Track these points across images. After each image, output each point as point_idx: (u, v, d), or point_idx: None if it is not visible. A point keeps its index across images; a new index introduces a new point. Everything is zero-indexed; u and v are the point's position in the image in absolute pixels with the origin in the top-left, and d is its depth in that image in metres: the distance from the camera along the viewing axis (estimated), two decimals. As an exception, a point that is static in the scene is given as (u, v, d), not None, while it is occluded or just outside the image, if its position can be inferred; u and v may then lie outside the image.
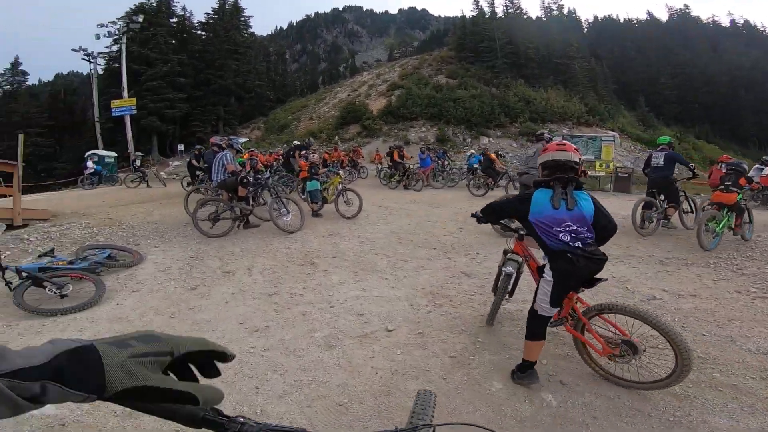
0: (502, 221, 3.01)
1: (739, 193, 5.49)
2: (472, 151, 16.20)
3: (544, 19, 39.03)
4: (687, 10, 45.14)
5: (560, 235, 2.29)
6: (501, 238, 6.20)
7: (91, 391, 0.37)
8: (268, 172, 7.29)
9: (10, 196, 6.98)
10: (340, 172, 8.26)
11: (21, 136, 6.77)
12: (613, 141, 15.18)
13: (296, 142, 13.83)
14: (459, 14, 42.19)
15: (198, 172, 10.81)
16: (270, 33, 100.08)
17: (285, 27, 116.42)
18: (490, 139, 24.08)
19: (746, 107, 35.63)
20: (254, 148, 14.24)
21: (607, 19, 47.27)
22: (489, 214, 2.75)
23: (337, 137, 25.08)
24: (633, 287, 4.12)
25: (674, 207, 6.25)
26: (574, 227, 2.29)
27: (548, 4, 40.24)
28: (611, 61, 37.36)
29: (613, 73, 35.87)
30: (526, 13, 37.82)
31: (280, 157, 14.40)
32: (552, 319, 2.51)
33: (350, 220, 7.43)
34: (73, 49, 25.98)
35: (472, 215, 2.91)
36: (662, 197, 6.34)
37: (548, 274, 2.35)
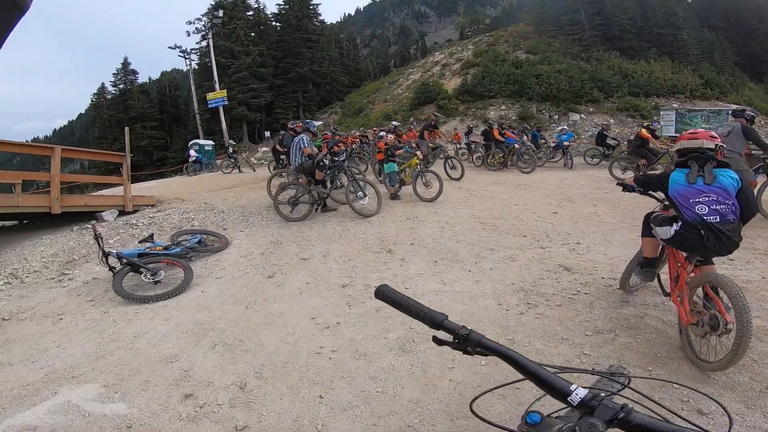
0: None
1: None
2: (564, 126, 14.63)
3: None
4: None
5: (696, 207, 2.41)
6: (604, 226, 5.42)
7: None
8: (344, 154, 7.14)
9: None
10: (418, 153, 7.85)
11: (126, 130, 7.42)
12: (750, 113, 12.69)
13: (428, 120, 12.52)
14: None
15: (282, 157, 11.22)
16: (339, 20, 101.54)
17: (353, 13, 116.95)
18: (582, 115, 21.74)
19: None
20: (327, 131, 14.41)
21: None
22: (646, 186, 2.85)
23: (411, 118, 24.60)
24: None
25: None
26: (714, 197, 2.39)
27: None
28: (728, 31, 31.80)
29: (732, 44, 30.53)
30: None
31: (357, 140, 14.37)
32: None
33: (429, 204, 7.04)
34: (170, 47, 28.67)
35: (618, 184, 3.11)
36: None
37: (673, 229, 2.52)
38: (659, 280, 3.05)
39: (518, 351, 0.74)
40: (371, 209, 6.44)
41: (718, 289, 2.30)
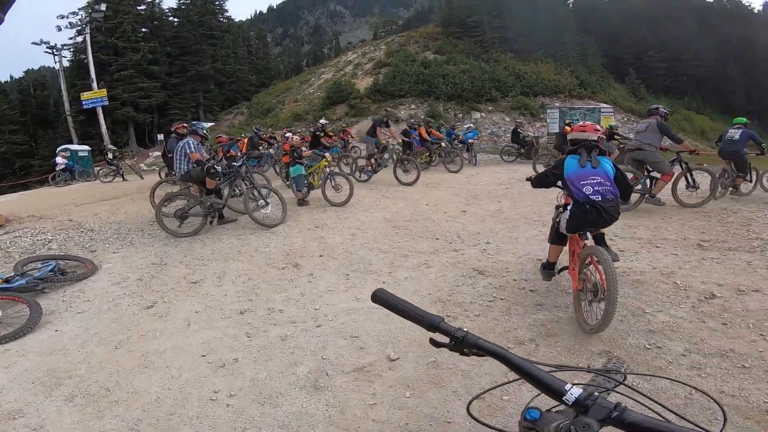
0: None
1: None
2: (471, 124, 15.20)
3: None
4: None
5: (584, 188, 2.90)
6: (510, 223, 5.50)
7: None
8: (241, 159, 6.37)
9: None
10: (327, 154, 7.37)
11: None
12: (612, 112, 14.52)
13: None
14: None
15: (176, 163, 9.92)
16: (249, 17, 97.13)
17: (264, 11, 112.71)
18: (482, 113, 23.14)
19: (735, 80, 35.63)
20: (222, 134, 13.24)
21: None
22: (542, 183, 3.24)
23: (323, 118, 24.03)
24: (683, 282, 3.42)
25: (742, 177, 6.56)
26: (598, 180, 2.89)
27: None
28: (599, 35, 36.48)
29: (601, 47, 35.06)
30: None
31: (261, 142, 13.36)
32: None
33: (339, 209, 6.62)
34: (34, 43, 24.34)
35: (527, 179, 3.45)
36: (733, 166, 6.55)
37: (567, 213, 3.00)
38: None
39: (444, 376, 0.76)
40: (275, 218, 5.84)
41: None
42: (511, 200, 6.91)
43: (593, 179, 2.88)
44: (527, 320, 3.00)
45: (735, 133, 6.82)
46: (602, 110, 14.44)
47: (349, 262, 4.43)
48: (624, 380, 0.84)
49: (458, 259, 4.32)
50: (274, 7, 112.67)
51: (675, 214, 5.63)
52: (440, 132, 12.35)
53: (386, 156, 9.04)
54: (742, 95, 35.89)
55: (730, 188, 6.69)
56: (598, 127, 3.16)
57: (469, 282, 3.74)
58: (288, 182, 7.75)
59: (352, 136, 16.88)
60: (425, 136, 11.22)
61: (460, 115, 22.51)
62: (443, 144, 11.33)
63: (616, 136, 10.55)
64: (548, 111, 16.41)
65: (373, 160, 9.07)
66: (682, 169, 6.14)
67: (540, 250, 4.23)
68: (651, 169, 6.04)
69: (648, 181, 6.01)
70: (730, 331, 2.67)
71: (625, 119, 23.73)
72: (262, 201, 5.77)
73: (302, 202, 6.92)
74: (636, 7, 39.44)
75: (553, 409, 0.71)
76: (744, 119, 7.30)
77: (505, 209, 6.28)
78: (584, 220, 2.89)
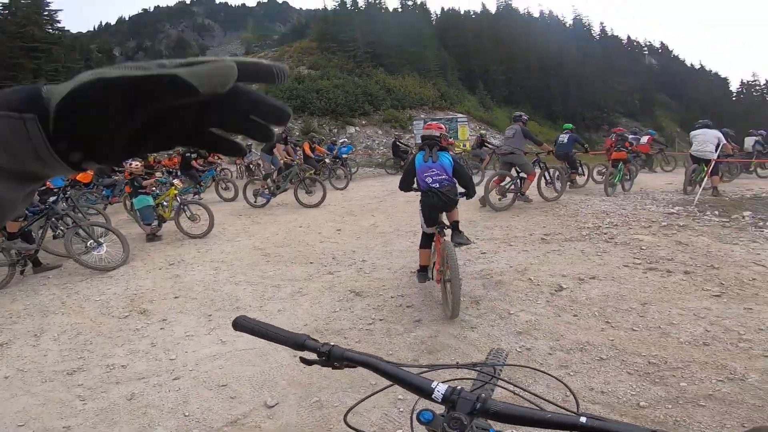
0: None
1: (627, 152, 8.08)
2: (345, 139, 15.30)
3: (400, 10, 40.36)
4: (509, 3, 50.45)
5: (426, 179, 3.40)
6: (384, 237, 5.51)
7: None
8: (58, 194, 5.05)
9: None
10: (176, 181, 6.47)
11: None
12: (467, 122, 16.19)
13: None
14: (321, 7, 40.71)
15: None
16: (93, 29, 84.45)
17: (113, 22, 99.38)
18: (356, 128, 23.70)
19: (555, 90, 41.94)
20: None
21: (452, 11, 51.21)
22: (405, 184, 3.58)
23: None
24: (534, 277, 3.77)
25: (575, 173, 8.32)
26: (436, 171, 3.38)
27: None
28: (456, 50, 40.46)
29: (457, 62, 39.05)
30: (384, 5, 38.89)
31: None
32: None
33: (199, 240, 5.85)
34: None
35: (400, 188, 3.65)
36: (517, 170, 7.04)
37: (419, 206, 3.53)
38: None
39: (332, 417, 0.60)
40: (113, 260, 4.87)
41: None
42: (385, 213, 7.02)
43: (432, 171, 3.37)
44: (408, 339, 2.95)
45: (564, 138, 8.21)
46: (459, 120, 16.07)
47: (211, 300, 3.86)
48: (495, 373, 0.88)
49: (334, 282, 4.12)
50: (126, 19, 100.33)
51: (521, 212, 6.35)
52: (322, 147, 12.17)
53: (292, 174, 8.26)
54: (560, 103, 41.74)
55: (568, 182, 7.92)
56: (441, 125, 3.66)
57: (346, 306, 3.57)
58: (132, 214, 6.61)
59: (219, 157, 15.57)
60: (308, 152, 10.77)
61: (335, 130, 22.70)
62: (327, 160, 11.08)
63: (486, 144, 11.87)
64: (414, 122, 17.55)
65: (270, 182, 8.10)
66: (541, 168, 7.21)
67: (413, 261, 4.29)
68: (519, 171, 6.75)
69: (519, 181, 6.75)
70: (581, 323, 2.97)
71: (477, 128, 26.79)
72: (92, 241, 4.74)
73: (153, 237, 5.93)
74: (484, 24, 45.10)
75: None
76: (570, 125, 8.71)
77: (380, 223, 6.32)
78: (430, 205, 3.37)
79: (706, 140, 7.75)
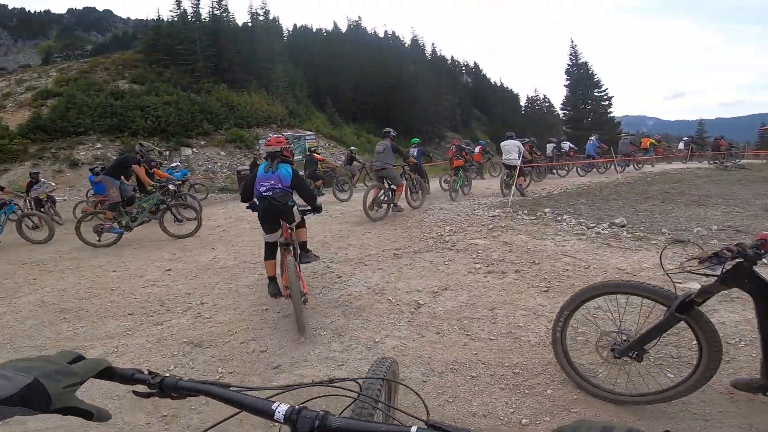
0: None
1: (464, 160, 9.35)
2: (177, 163, 13.49)
3: (250, 24, 38.18)
4: (359, 22, 52.59)
5: (261, 188, 3.58)
6: (227, 272, 4.81)
7: (41, 410, 0.53)
8: None
9: None
10: None
11: None
12: (314, 139, 16.21)
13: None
14: (155, 15, 35.11)
15: None
16: None
17: None
18: (194, 149, 21.28)
19: (396, 106, 45.12)
20: None
21: (304, 27, 50.92)
22: (245, 195, 3.81)
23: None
24: (393, 296, 3.69)
25: (426, 182, 9.45)
26: (273, 182, 3.57)
27: (255, 9, 39.42)
28: (306, 66, 40.29)
29: (307, 78, 38.94)
30: (233, 18, 36.15)
31: None
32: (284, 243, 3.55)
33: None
34: None
35: (248, 207, 3.82)
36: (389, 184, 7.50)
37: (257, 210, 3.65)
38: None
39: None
40: None
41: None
42: (228, 244, 6.25)
43: (269, 181, 3.57)
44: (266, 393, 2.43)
45: (413, 151, 9.52)
46: (307, 137, 15.98)
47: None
48: (361, 390, 0.94)
49: (164, 334, 3.31)
50: None
51: (372, 228, 6.45)
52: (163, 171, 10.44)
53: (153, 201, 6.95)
54: (400, 119, 44.73)
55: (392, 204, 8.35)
56: (281, 138, 3.88)
57: (184, 362, 2.86)
58: None
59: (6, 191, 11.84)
60: (144, 178, 8.89)
61: (167, 152, 19.93)
62: (171, 186, 9.41)
63: (355, 160, 12.37)
64: (260, 141, 16.68)
65: (118, 213, 6.73)
66: (407, 180, 7.83)
67: (264, 297, 3.82)
68: (390, 183, 7.28)
69: (390, 193, 7.26)
70: (445, 340, 2.92)
71: (326, 145, 27.20)
72: None
73: None
74: (334, 42, 46.03)
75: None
76: (417, 140, 10.19)
77: (221, 257, 5.54)
78: (263, 210, 3.53)
79: (510, 150, 9.34)
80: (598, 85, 45.07)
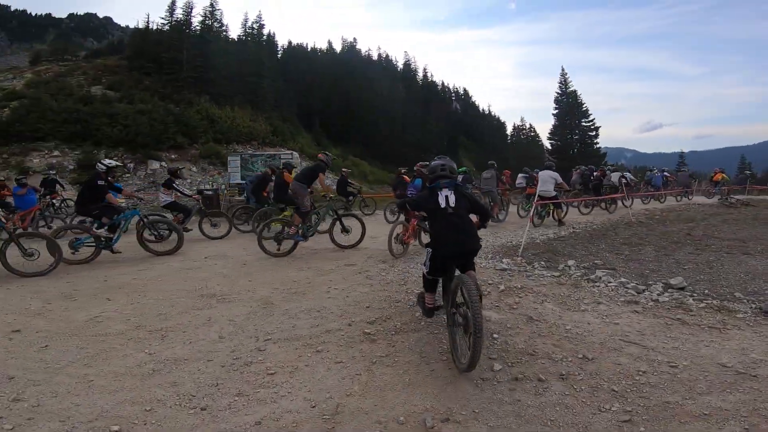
0: None
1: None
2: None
3: (244, 38, 37.37)
4: (354, 43, 51.97)
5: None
6: (100, 345, 3.04)
7: None
8: None
9: None
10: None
11: None
12: (292, 158, 14.61)
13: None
14: (145, 22, 34.06)
15: None
16: None
17: None
18: (162, 162, 19.51)
19: (385, 131, 43.70)
20: None
21: (299, 46, 50.21)
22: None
23: None
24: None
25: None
26: None
27: (251, 24, 38.54)
28: (298, 85, 39.30)
29: (297, 97, 37.92)
30: (227, 30, 35.53)
31: None
32: None
33: None
34: None
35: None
36: None
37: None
38: None
39: None
40: None
41: None
42: (135, 293, 4.41)
43: None
44: None
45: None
46: (282, 156, 14.37)
47: None
48: None
49: None
50: None
51: (339, 278, 4.82)
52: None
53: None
54: (389, 144, 42.22)
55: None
56: None
57: None
58: None
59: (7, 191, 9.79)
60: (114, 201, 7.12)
61: (132, 164, 18.08)
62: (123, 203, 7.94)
63: (349, 184, 11.86)
64: (230, 159, 14.98)
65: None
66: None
67: (138, 394, 2.13)
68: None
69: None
70: None
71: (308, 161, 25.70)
72: None
73: None
74: (328, 62, 45.11)
75: None
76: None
77: (113, 313, 3.75)
78: None
79: (546, 180, 9.26)
80: (585, 114, 44.91)
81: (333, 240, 6.75)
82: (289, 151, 16.95)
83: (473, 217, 2.95)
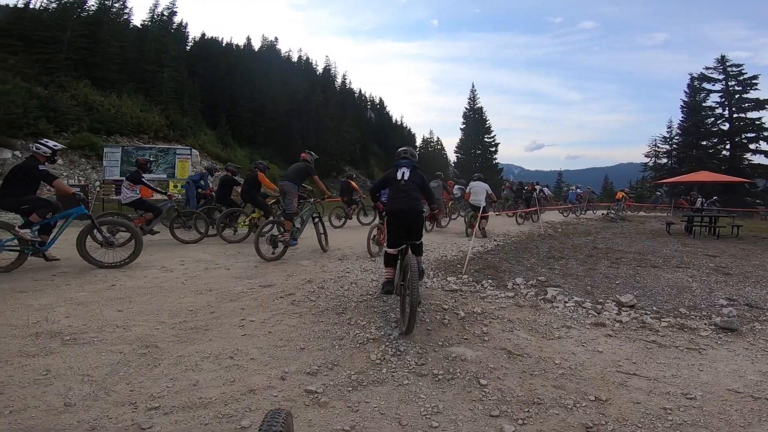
0: None
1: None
2: None
3: (149, 24, 32.53)
4: (275, 43, 48.58)
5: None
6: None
7: None
8: None
9: None
10: None
11: None
12: (190, 156, 12.60)
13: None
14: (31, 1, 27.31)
15: None
16: None
17: None
18: (16, 152, 15.58)
19: (295, 133, 42.29)
20: None
21: (213, 39, 45.46)
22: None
23: None
24: None
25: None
26: None
27: (160, 12, 33.85)
28: (206, 79, 35.66)
29: (203, 91, 34.40)
30: (130, 14, 31.02)
31: None
32: None
33: None
34: None
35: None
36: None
37: None
38: None
39: None
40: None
41: None
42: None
43: None
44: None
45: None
46: (179, 153, 12.17)
47: None
48: None
49: None
50: None
51: (268, 314, 3.80)
52: None
53: None
54: (301, 148, 43.17)
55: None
56: None
57: None
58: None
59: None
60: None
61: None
62: None
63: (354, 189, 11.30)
64: (106, 151, 11.95)
65: None
66: None
67: None
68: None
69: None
70: None
71: (216, 164, 23.31)
72: None
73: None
74: (243, 59, 41.49)
75: None
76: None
77: (60, 368, 2.28)
78: None
79: (478, 191, 9.57)
80: (489, 131, 48.57)
81: (321, 243, 6.80)
82: (186, 147, 14.74)
83: (426, 211, 3.94)
